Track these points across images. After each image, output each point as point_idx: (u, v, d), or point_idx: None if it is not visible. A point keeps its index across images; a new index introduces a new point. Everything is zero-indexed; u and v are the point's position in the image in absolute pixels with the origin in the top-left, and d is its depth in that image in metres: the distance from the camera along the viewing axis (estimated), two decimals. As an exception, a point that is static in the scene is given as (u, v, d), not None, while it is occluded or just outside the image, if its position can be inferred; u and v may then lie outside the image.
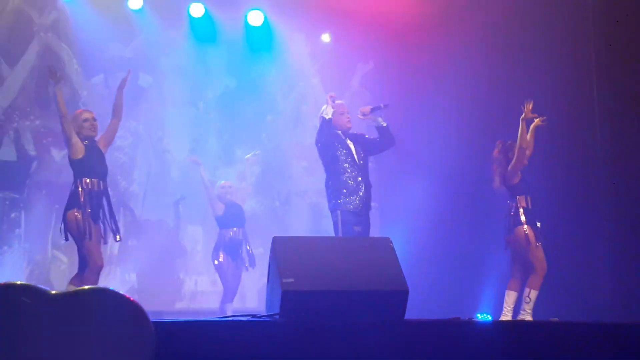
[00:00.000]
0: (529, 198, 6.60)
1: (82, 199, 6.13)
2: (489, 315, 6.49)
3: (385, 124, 6.69)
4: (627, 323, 5.85)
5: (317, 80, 10.01)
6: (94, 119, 6.36)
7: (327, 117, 6.62)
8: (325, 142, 6.63)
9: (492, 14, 8.69)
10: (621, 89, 7.92)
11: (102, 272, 6.26)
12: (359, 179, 6.55)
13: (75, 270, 6.34)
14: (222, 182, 8.28)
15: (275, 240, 4.34)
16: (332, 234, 6.67)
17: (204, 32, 9.57)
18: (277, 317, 4.06)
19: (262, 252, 7.96)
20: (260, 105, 9.76)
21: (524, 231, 6.48)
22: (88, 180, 6.18)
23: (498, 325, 4.70)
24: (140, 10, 9.22)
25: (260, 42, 9.77)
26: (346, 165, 6.58)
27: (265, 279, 4.52)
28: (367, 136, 6.86)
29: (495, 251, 8.00)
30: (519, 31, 8.58)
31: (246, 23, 9.60)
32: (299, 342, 3.80)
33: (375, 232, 9.10)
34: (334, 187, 6.60)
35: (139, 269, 9.33)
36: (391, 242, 4.50)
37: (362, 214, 6.53)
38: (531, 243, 6.45)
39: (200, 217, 9.13)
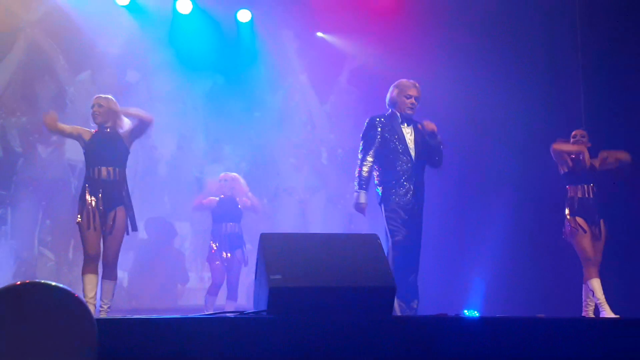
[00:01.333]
0: (585, 187, 6.55)
1: (85, 188, 6.03)
2: (476, 312, 6.51)
3: (439, 145, 6.21)
4: (614, 319, 5.89)
5: (304, 77, 10.01)
6: (99, 105, 6.14)
7: (361, 202, 6.09)
8: (375, 132, 6.09)
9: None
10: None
11: None
12: (410, 172, 6.05)
13: (62, 268, 6.33)
14: (222, 174, 8.18)
15: (263, 237, 4.33)
16: (319, 230, 6.65)
17: (191, 29, 9.56)
18: (264, 313, 4.06)
19: (250, 248, 7.96)
20: (248, 101, 9.75)
21: (567, 221, 6.55)
22: (96, 169, 6.03)
23: (485, 321, 4.71)
24: (128, 6, 9.20)
25: (248, 38, 9.76)
26: (398, 152, 6.07)
27: (253, 276, 4.52)
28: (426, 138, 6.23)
29: (484, 247, 8.06)
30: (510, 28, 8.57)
31: (235, 19, 9.60)
32: (287, 339, 3.80)
33: (362, 227, 9.12)
34: (381, 177, 6.12)
35: (127, 266, 9.32)
36: (379, 238, 4.50)
37: (412, 211, 6.06)
38: (574, 233, 6.49)
39: (188, 214, 9.11)
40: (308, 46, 10.00)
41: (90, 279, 5.89)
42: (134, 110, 6.28)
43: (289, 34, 9.94)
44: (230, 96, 9.70)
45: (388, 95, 6.29)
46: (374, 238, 4.51)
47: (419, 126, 6.17)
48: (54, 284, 2.74)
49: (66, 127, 6.18)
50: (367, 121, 6.24)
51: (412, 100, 6.16)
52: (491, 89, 8.57)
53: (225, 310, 7.52)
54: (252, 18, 9.60)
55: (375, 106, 6.70)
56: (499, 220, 8.20)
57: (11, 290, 2.67)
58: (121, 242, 6.09)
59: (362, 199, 6.06)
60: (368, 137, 6.15)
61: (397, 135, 6.11)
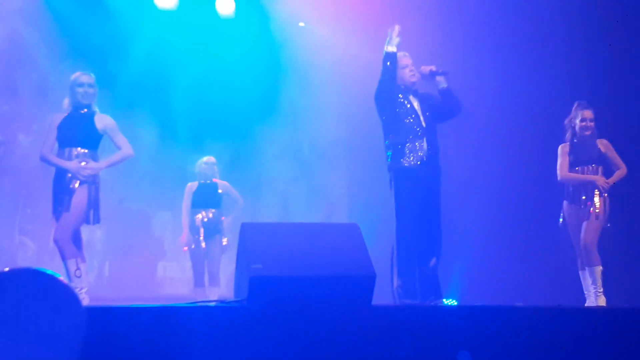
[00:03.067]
0: (585, 168, 6.53)
1: (56, 169, 5.92)
2: (454, 300, 6.54)
3: (446, 85, 6.13)
4: (592, 308, 5.96)
5: (287, 67, 10.01)
6: (90, 86, 6.00)
7: (390, 50, 6.03)
8: (386, 97, 6.00)
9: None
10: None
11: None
12: (423, 140, 5.94)
13: (42, 257, 6.28)
14: (205, 158, 8.18)
15: (244, 227, 4.35)
16: (300, 220, 6.66)
17: (174, 18, 9.53)
18: (245, 302, 4.08)
19: (231, 238, 7.97)
20: (231, 91, 9.74)
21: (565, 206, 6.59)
22: (65, 149, 5.91)
23: (463, 310, 4.75)
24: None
25: (231, 28, 9.75)
26: (408, 123, 5.97)
27: (234, 265, 4.54)
28: (434, 99, 6.17)
29: (463, 236, 8.10)
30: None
31: (218, 10, 9.58)
32: (267, 327, 3.82)
33: (343, 217, 9.16)
34: (392, 147, 5.99)
35: (108, 255, 9.31)
36: (359, 228, 4.53)
37: (424, 178, 5.93)
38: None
39: (169, 203, 9.11)
40: (291, 36, 10.00)
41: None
42: (119, 158, 6.13)
43: (272, 24, 9.93)
44: (213, 86, 9.69)
45: None
46: (354, 227, 4.54)
47: (418, 74, 6.14)
48: (42, 269, 2.75)
49: (50, 149, 5.99)
50: (376, 94, 6.12)
51: (409, 67, 6.12)
52: (479, 76, 8.59)
53: (208, 296, 7.55)
54: (235, 8, 9.58)
55: (358, 97, 6.70)
56: (478, 209, 8.25)
57: (6, 275, 2.68)
58: (73, 221, 5.83)
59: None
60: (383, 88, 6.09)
61: (407, 103, 6.03)
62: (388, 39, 6.09)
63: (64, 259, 5.78)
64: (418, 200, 5.90)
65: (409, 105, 6.02)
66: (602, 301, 6.23)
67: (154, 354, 3.59)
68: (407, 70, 6.11)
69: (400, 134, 5.96)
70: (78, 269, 5.73)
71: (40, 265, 8.50)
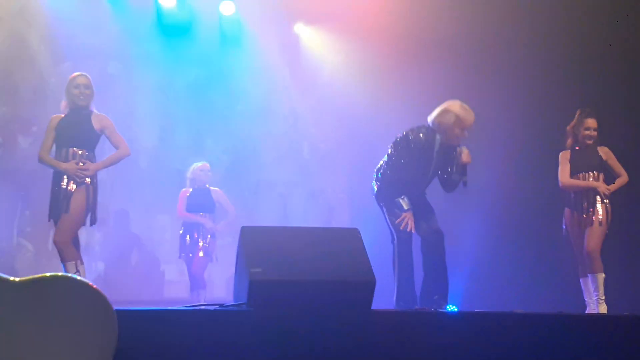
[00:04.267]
0: (585, 174, 6.50)
1: (54, 171, 5.91)
2: (454, 306, 6.53)
3: (460, 182, 5.96)
4: (593, 315, 5.94)
5: (287, 70, 10.00)
6: (87, 87, 5.99)
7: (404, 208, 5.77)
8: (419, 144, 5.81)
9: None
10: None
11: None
12: (419, 187, 5.94)
13: (41, 259, 6.26)
14: (200, 164, 8.20)
15: (244, 230, 4.34)
16: (299, 224, 6.63)
17: (174, 21, 9.52)
18: (244, 306, 4.06)
19: (230, 241, 7.96)
20: (230, 94, 9.73)
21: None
22: (62, 150, 5.90)
23: (463, 316, 4.74)
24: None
25: (231, 31, 9.74)
26: (417, 169, 5.87)
27: (233, 269, 4.53)
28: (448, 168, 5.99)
29: (464, 242, 8.09)
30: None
31: (218, 12, 9.57)
32: (266, 332, 3.81)
33: (343, 221, 9.15)
34: (389, 180, 5.86)
35: (106, 258, 9.29)
36: (359, 232, 4.52)
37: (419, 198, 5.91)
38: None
39: (168, 206, 9.09)
40: (291, 39, 9.99)
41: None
42: (115, 158, 6.12)
43: (272, 27, 9.92)
44: (212, 89, 9.68)
45: (439, 116, 5.88)
46: (354, 232, 4.53)
47: (458, 150, 5.91)
48: (74, 276, 2.74)
49: (48, 151, 5.97)
50: (404, 137, 5.90)
51: (465, 135, 5.91)
52: (477, 82, 8.59)
53: (194, 301, 7.58)
54: (235, 10, 9.57)
55: (358, 101, 6.67)
56: (479, 215, 8.24)
57: (33, 282, 2.67)
58: (74, 223, 5.82)
59: (405, 205, 5.80)
60: (401, 150, 5.87)
61: (426, 155, 5.87)
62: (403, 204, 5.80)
63: (63, 261, 5.76)
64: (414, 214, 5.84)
65: (426, 158, 5.87)
66: (603, 309, 6.21)
67: (153, 358, 3.57)
68: (461, 137, 5.89)
69: (402, 172, 5.82)
70: (77, 271, 5.71)
71: (39, 267, 8.49)
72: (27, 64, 9.08)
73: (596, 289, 6.27)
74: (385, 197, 5.91)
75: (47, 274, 2.70)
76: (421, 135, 5.85)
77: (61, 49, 9.16)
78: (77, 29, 9.12)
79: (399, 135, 5.95)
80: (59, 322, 2.63)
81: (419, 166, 5.87)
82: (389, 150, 5.95)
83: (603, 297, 6.24)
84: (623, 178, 6.51)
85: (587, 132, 6.54)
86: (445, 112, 5.85)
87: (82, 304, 2.68)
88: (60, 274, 2.72)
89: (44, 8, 8.98)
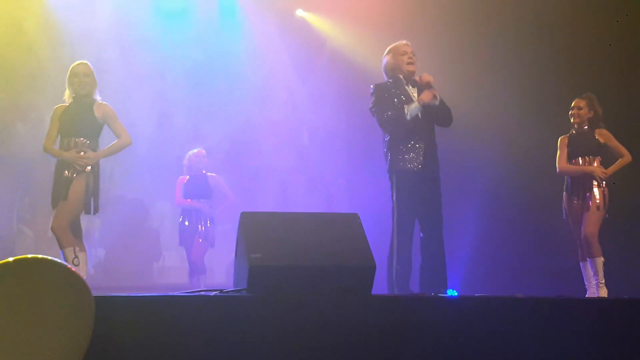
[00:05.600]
0: (582, 159, 6.52)
1: (57, 160, 5.92)
2: (454, 291, 6.53)
3: (438, 102, 5.86)
4: (593, 299, 5.95)
5: (286, 55, 9.97)
6: (86, 75, 5.99)
7: (407, 115, 5.71)
8: (381, 99, 5.80)
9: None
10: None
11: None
12: (420, 134, 5.82)
13: (41, 245, 6.26)
14: (196, 150, 8.21)
15: (243, 216, 4.33)
16: (299, 210, 6.62)
17: (172, 5, 9.48)
18: (244, 292, 4.06)
19: (230, 227, 7.96)
20: (229, 80, 9.70)
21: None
22: (65, 139, 5.92)
23: (463, 300, 4.74)
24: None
25: (229, 17, 9.70)
26: (406, 122, 5.78)
27: (233, 255, 4.52)
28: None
29: (463, 227, 8.09)
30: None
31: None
32: (266, 317, 3.81)
33: (343, 207, 9.15)
34: (390, 145, 5.85)
35: (106, 245, 9.29)
36: (359, 217, 4.51)
37: (425, 177, 5.83)
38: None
39: (167, 192, 9.09)
40: (290, 25, 9.95)
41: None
42: (116, 147, 6.10)
43: (270, 12, 9.88)
44: (211, 74, 9.65)
45: (383, 66, 6.07)
46: (354, 217, 4.52)
47: (417, 78, 5.94)
48: (52, 259, 2.73)
49: (52, 141, 5.98)
50: (373, 90, 5.97)
51: (408, 54, 5.95)
52: (476, 67, 8.57)
53: (194, 287, 7.61)
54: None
55: (358, 85, 6.66)
56: (479, 200, 8.24)
57: (10, 265, 2.66)
58: (72, 210, 5.81)
59: (413, 105, 5.78)
60: (380, 101, 5.89)
61: (404, 97, 5.88)
62: (414, 107, 5.79)
63: (61, 247, 5.76)
64: (418, 196, 5.85)
65: (404, 99, 5.86)
66: (603, 292, 6.23)
67: (153, 343, 3.58)
68: (405, 58, 5.97)
69: (399, 133, 5.84)
70: (76, 257, 5.71)
71: (38, 254, 8.48)
72: (24, 50, 9.04)
73: (595, 273, 6.28)
74: (392, 161, 5.83)
75: (28, 256, 2.70)
76: (388, 84, 5.95)
77: (58, 35, 9.12)
78: (74, 14, 9.08)
79: (371, 100, 5.96)
80: (35, 303, 2.62)
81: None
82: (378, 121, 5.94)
83: (603, 281, 6.25)
84: (625, 158, 6.50)
85: (571, 112, 6.59)
86: (382, 62, 6.06)
87: (60, 286, 2.67)
88: (40, 256, 2.71)
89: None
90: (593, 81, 7.76)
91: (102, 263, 9.15)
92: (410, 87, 5.96)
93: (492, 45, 8.55)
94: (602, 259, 6.30)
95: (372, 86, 6.02)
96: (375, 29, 9.20)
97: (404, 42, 6.03)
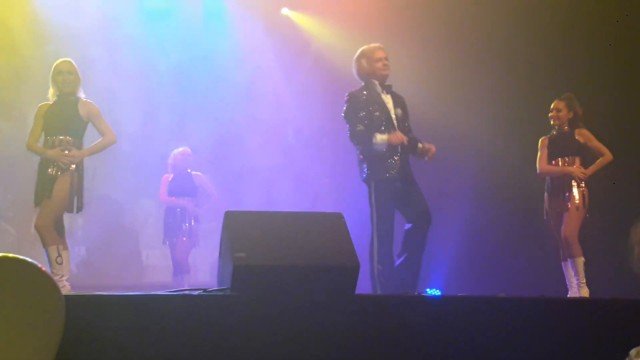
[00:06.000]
0: (563, 160, 6.55)
1: (41, 158, 5.93)
2: (437, 290, 6.56)
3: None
4: (575, 299, 5.99)
5: (271, 54, 9.96)
6: (70, 72, 5.99)
7: (376, 144, 5.71)
8: (354, 111, 5.78)
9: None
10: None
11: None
12: (394, 149, 5.77)
13: (23, 243, 6.24)
14: (181, 149, 8.21)
15: (227, 215, 4.32)
16: (284, 209, 6.61)
17: (157, 3, 9.45)
18: (228, 291, 4.06)
19: (214, 226, 7.95)
20: (214, 78, 9.67)
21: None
22: (49, 137, 5.93)
23: (447, 300, 4.77)
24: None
25: (214, 15, 9.68)
26: (381, 122, 5.79)
27: (217, 254, 4.52)
28: (408, 114, 5.99)
29: (447, 227, 8.11)
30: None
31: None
32: (250, 316, 3.82)
33: (327, 206, 9.15)
34: (365, 156, 5.83)
35: (88, 243, 9.25)
36: (343, 217, 4.52)
37: (403, 181, 5.83)
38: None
39: (151, 190, 9.06)
40: (275, 23, 9.94)
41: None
42: (101, 145, 6.12)
43: (256, 11, 9.86)
44: (196, 73, 9.62)
45: (357, 69, 5.99)
46: (338, 217, 4.53)
47: (420, 145, 5.94)
48: (21, 257, 2.71)
49: (36, 139, 5.99)
50: (347, 98, 5.94)
51: (383, 60, 5.91)
52: (464, 65, 8.60)
53: (185, 284, 7.60)
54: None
55: (343, 85, 6.67)
56: (462, 200, 8.27)
57: None
58: (56, 208, 5.83)
59: (379, 138, 5.74)
60: (352, 112, 5.86)
61: (378, 104, 5.85)
62: (382, 143, 5.76)
63: (45, 245, 5.75)
64: (399, 196, 5.84)
65: (378, 106, 5.84)
66: (585, 292, 6.27)
67: (137, 343, 3.57)
68: (380, 64, 5.91)
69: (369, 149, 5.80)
70: (59, 255, 5.71)
71: (21, 252, 8.44)
72: (8, 48, 8.99)
73: (576, 273, 6.33)
74: (369, 170, 5.83)
75: None
76: (362, 92, 5.89)
77: (43, 33, 9.07)
78: (59, 12, 9.03)
79: (344, 107, 5.94)
80: (3, 302, 2.61)
81: (379, 120, 5.80)
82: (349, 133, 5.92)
83: (584, 281, 6.30)
84: (605, 157, 6.54)
85: (551, 114, 6.65)
86: (355, 64, 5.97)
87: (29, 285, 2.66)
88: (9, 254, 2.70)
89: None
90: (592, 81, 7.81)
91: (84, 261, 9.11)
92: (384, 93, 5.93)
93: (483, 45, 8.58)
94: (582, 259, 6.34)
95: (347, 94, 5.97)
96: (361, 27, 9.20)
97: (378, 45, 5.98)
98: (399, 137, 5.74)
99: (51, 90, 6.05)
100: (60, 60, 6.08)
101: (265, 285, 4.01)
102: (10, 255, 2.70)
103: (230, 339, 3.72)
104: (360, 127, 5.80)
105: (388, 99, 5.91)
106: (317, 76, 9.69)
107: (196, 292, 4.14)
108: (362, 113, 5.82)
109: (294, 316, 3.87)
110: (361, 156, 5.90)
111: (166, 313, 3.69)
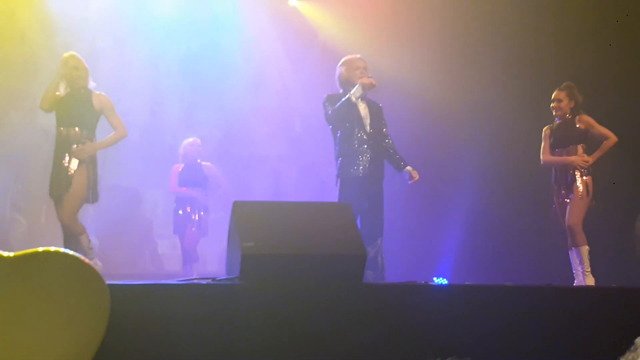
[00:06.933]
0: (567, 149, 6.57)
1: (56, 149, 6.03)
2: (444, 279, 6.59)
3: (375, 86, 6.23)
4: (580, 287, 6.01)
5: (279, 44, 9.97)
6: (75, 68, 6.09)
7: (352, 99, 6.11)
8: (339, 114, 6.16)
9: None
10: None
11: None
12: (365, 146, 6.14)
13: (34, 233, 6.31)
14: (191, 139, 8.25)
15: (236, 205, 4.35)
16: (292, 199, 6.66)
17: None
18: (236, 280, 4.10)
19: (222, 216, 7.99)
20: (222, 68, 9.69)
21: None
22: (62, 129, 6.02)
23: (453, 288, 4.79)
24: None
25: (222, 5, 9.69)
26: (355, 131, 6.15)
27: (226, 243, 4.55)
28: (384, 121, 6.36)
29: (454, 216, 8.14)
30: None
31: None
32: (259, 305, 3.84)
33: (335, 196, 9.17)
34: (339, 153, 6.21)
35: (99, 232, 9.29)
36: (351, 207, 4.55)
37: (368, 184, 6.14)
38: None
39: (160, 180, 9.10)
40: (282, 14, 9.94)
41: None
42: (113, 140, 6.26)
43: (263, 1, 9.87)
44: (204, 63, 9.64)
45: (337, 76, 6.34)
46: (346, 206, 4.56)
47: (408, 168, 6.27)
48: (66, 251, 2.76)
49: (50, 103, 6.09)
50: (325, 97, 6.28)
51: (361, 69, 6.21)
52: (469, 58, 8.60)
53: (187, 274, 7.65)
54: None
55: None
56: (469, 190, 8.28)
57: (26, 257, 2.69)
58: (77, 200, 6.00)
59: (353, 91, 6.10)
60: (330, 104, 6.20)
61: (352, 109, 6.15)
62: (357, 89, 6.14)
63: (74, 235, 5.94)
64: (361, 202, 6.05)
65: (355, 115, 6.14)
66: (590, 280, 6.29)
67: (146, 332, 3.60)
68: (358, 72, 6.21)
69: (349, 143, 6.13)
70: (90, 241, 6.02)
71: (32, 241, 8.51)
72: (17, 39, 9.02)
73: (581, 262, 6.34)
74: (339, 166, 6.16)
75: (40, 249, 2.72)
76: (340, 94, 6.22)
77: (52, 24, 9.09)
78: (68, 3, 9.05)
79: (323, 106, 6.25)
80: (52, 297, 2.65)
81: (352, 125, 6.12)
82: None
83: (589, 270, 6.31)
84: (610, 140, 6.53)
85: (552, 105, 6.65)
86: (336, 72, 6.35)
87: (75, 278, 2.70)
88: (53, 248, 2.74)
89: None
90: (592, 81, 7.80)
91: (95, 251, 9.13)
92: (360, 100, 6.20)
93: (485, 44, 8.58)
94: (587, 247, 6.35)
95: (325, 95, 6.31)
96: (367, 17, 9.22)
97: (358, 56, 6.32)
98: (366, 80, 6.10)
99: (62, 84, 6.11)
100: (67, 54, 6.16)
101: (273, 274, 4.05)
102: (55, 249, 2.74)
103: (239, 328, 3.75)
104: (337, 105, 6.13)
105: (363, 106, 6.19)
106: (324, 66, 9.68)
107: (205, 281, 4.18)
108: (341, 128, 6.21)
109: (302, 305, 3.90)
110: (336, 154, 6.24)
111: (175, 302, 3.72)
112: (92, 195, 6.09)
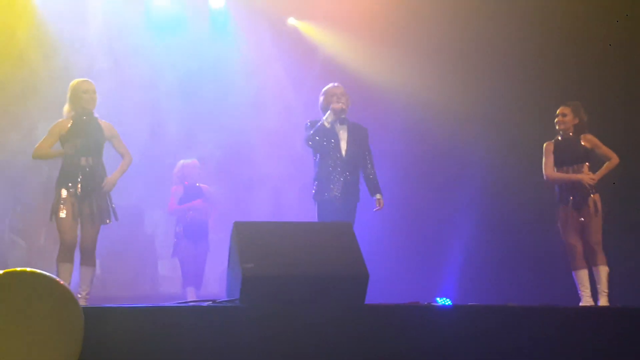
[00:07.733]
0: (572, 167, 6.49)
1: (62, 175, 6.02)
2: (448, 300, 6.54)
3: (345, 111, 6.55)
4: (584, 307, 5.95)
5: (279, 64, 9.96)
6: (94, 92, 6.15)
7: (326, 125, 6.43)
8: (313, 138, 6.46)
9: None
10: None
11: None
12: (339, 169, 6.39)
13: (33, 255, 6.27)
14: (189, 160, 8.21)
15: (236, 225, 4.32)
16: (293, 219, 6.65)
17: (164, 14, 9.47)
18: (237, 302, 4.05)
19: (222, 237, 7.94)
20: (222, 88, 9.68)
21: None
22: (74, 158, 6.02)
23: (457, 309, 4.75)
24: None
25: (221, 25, 9.70)
26: (329, 155, 6.42)
27: (226, 264, 4.51)
28: (367, 145, 6.61)
29: (457, 236, 8.10)
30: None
31: (208, 5, 9.55)
32: (260, 327, 3.81)
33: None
34: (316, 177, 6.49)
35: (99, 254, 9.24)
36: (352, 227, 4.51)
37: (342, 206, 6.33)
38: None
39: (160, 201, 9.06)
40: (282, 33, 9.95)
41: (66, 267, 5.89)
42: (125, 167, 6.38)
43: (262, 21, 9.87)
44: (204, 83, 9.63)
45: (320, 104, 6.66)
46: (347, 227, 4.52)
47: (378, 196, 6.51)
48: (39, 272, 2.73)
49: (50, 149, 6.08)
50: (307, 125, 6.56)
51: (337, 96, 6.50)
52: (469, 74, 8.60)
53: (187, 297, 7.58)
54: (225, 3, 9.55)
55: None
56: (472, 209, 8.25)
57: (4, 277, 2.66)
58: (99, 229, 6.17)
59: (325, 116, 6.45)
60: (309, 129, 6.51)
61: (330, 132, 6.41)
62: (328, 114, 6.46)
63: (89, 265, 6.10)
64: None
65: (332, 141, 6.42)
66: (604, 301, 6.17)
67: (146, 354, 3.57)
68: (334, 99, 6.50)
69: (324, 167, 6.41)
70: (93, 277, 6.16)
71: (31, 263, 8.45)
72: (16, 59, 9.01)
73: (599, 282, 6.22)
74: (315, 189, 6.43)
75: (16, 269, 2.70)
76: (317, 122, 6.51)
77: (51, 44, 9.10)
78: (67, 23, 9.06)
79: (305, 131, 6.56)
80: (22, 317, 2.62)
81: (329, 146, 6.40)
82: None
83: (606, 291, 6.19)
84: (612, 161, 6.46)
85: (557, 119, 6.59)
86: (319, 99, 6.70)
87: (48, 299, 2.68)
88: (28, 269, 2.73)
89: (34, 2, 8.92)
90: (593, 82, 7.79)
91: (96, 273, 9.10)
92: (338, 124, 6.48)
93: (488, 48, 8.57)
94: (607, 268, 6.24)
95: (307, 121, 6.62)
96: (367, 35, 9.22)
97: (335, 84, 6.66)
98: (337, 105, 6.44)
99: (67, 107, 6.11)
100: (82, 79, 6.20)
101: (274, 295, 4.01)
102: (30, 269, 2.72)
103: (239, 350, 3.71)
104: (312, 130, 6.47)
105: (343, 130, 6.47)
106: (324, 85, 9.68)
107: (205, 303, 4.14)
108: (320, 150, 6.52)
109: (304, 326, 3.86)
110: (314, 177, 6.52)
111: (176, 324, 3.68)
112: (113, 216, 6.25)
